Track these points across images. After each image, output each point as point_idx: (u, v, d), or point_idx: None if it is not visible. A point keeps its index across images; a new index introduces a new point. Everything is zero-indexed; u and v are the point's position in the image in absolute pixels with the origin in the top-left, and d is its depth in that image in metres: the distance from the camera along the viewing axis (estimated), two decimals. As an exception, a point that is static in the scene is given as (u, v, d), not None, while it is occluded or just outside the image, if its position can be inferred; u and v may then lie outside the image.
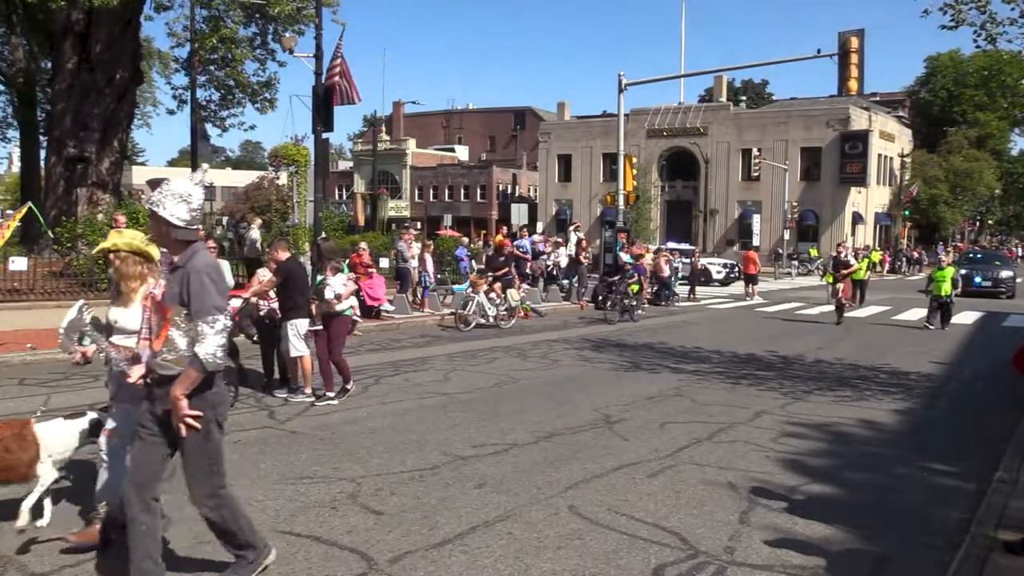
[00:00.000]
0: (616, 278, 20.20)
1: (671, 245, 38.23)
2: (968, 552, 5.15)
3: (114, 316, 5.01)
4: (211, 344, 3.96)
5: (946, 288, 18.55)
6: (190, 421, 4.02)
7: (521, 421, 8.64)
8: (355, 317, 10.02)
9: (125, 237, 5.05)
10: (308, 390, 9.44)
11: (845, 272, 20.78)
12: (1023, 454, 7.46)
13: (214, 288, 4.04)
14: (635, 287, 19.82)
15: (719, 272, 36.56)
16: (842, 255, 21.27)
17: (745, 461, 7.33)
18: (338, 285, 9.38)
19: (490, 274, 18.27)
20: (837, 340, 16.77)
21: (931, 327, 18.79)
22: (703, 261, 34.87)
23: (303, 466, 6.78)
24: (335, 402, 9.24)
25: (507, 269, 18.75)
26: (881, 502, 6.38)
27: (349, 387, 9.58)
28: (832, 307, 20.49)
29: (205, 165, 5.88)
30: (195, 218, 4.15)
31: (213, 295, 4.02)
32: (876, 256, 49.74)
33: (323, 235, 15.46)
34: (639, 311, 19.99)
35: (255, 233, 21.21)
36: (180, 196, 4.10)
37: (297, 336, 9.23)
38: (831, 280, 21.23)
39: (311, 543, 5.12)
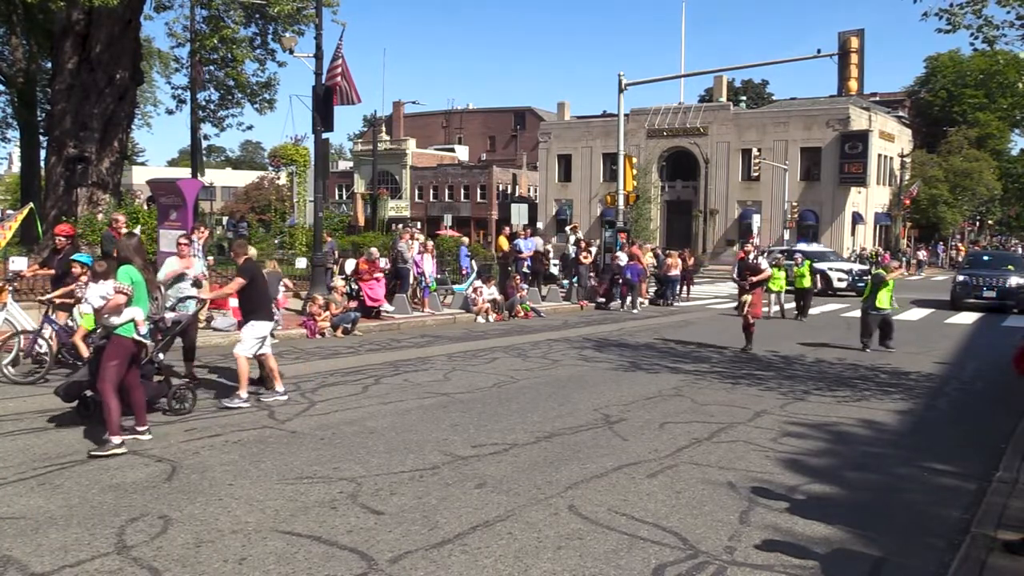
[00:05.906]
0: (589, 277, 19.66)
1: (802, 247, 31.18)
2: (968, 552, 5.15)
3: None
4: None
5: (891, 302, 15.44)
6: None
7: (521, 421, 8.64)
8: (138, 338, 7.31)
9: None
10: (243, 394, 8.91)
11: (754, 280, 14.89)
12: (1023, 454, 7.47)
13: None
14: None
15: (841, 280, 28.23)
16: (750, 256, 15.60)
17: (745, 461, 7.33)
18: (95, 296, 7.31)
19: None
20: (837, 340, 16.77)
21: (869, 349, 15.09)
22: (825, 266, 28.12)
23: (303, 466, 6.77)
24: (146, 437, 7.35)
25: (67, 279, 10.65)
26: (881, 502, 6.38)
27: (140, 430, 7.36)
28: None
29: None
30: None
31: None
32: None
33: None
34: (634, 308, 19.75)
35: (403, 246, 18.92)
36: None
37: (251, 338, 9.00)
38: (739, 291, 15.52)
39: (311, 543, 5.12)
